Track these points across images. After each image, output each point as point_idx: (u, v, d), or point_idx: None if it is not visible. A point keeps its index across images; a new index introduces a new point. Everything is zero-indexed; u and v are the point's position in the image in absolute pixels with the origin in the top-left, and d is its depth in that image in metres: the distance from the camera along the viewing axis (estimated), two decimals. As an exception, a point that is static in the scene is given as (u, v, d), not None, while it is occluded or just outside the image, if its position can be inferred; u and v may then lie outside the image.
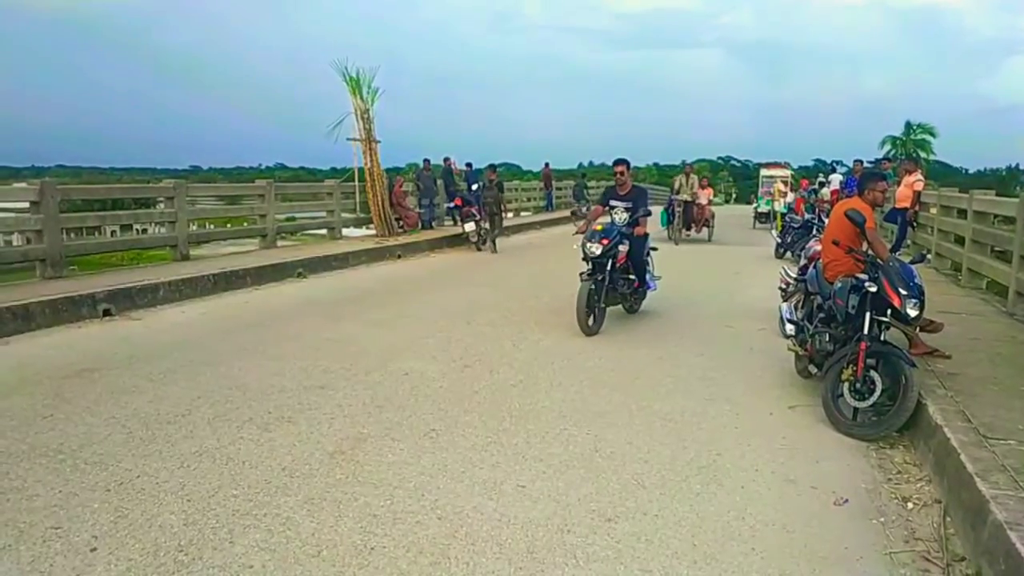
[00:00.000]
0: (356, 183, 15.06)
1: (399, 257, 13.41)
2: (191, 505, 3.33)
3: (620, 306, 7.79)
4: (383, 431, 4.33)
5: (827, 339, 4.94)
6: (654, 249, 8.08)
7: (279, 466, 3.79)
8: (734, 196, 64.91)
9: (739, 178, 77.61)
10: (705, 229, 17.53)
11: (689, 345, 6.64)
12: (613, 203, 7.72)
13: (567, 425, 4.50)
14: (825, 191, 19.33)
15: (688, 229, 17.17)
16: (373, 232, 15.16)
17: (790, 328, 5.64)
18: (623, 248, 7.26)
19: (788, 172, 27.54)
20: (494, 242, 14.82)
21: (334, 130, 14.46)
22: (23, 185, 9.70)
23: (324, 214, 14.99)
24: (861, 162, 16.77)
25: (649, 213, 7.68)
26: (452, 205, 15.92)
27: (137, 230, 15.46)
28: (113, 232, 18.62)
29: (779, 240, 14.09)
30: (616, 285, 7.27)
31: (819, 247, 6.31)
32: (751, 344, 6.70)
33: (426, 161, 17.67)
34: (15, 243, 21.94)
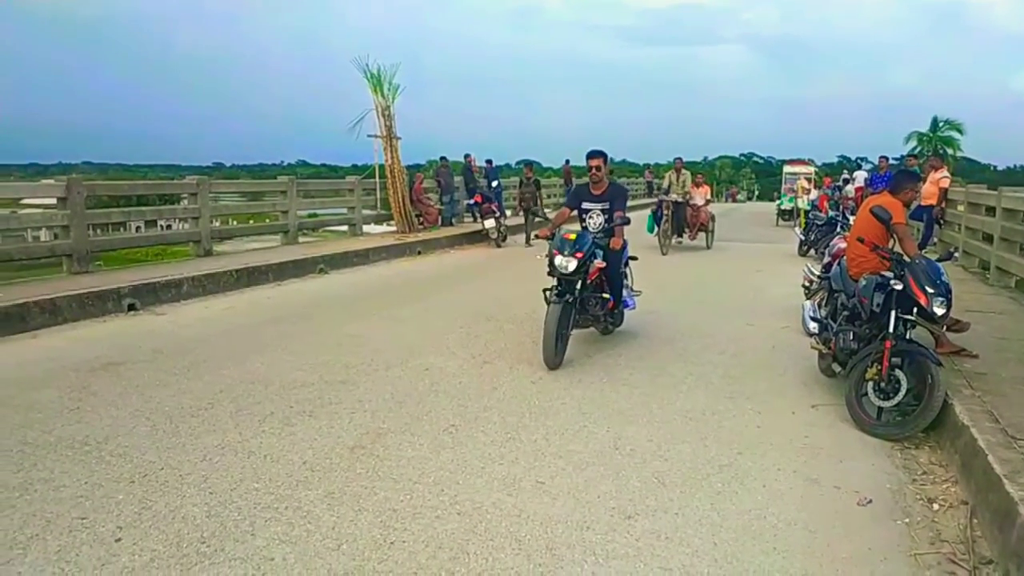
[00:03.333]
0: (377, 180, 15.13)
1: (419, 253, 13.45)
2: (213, 498, 3.36)
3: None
4: (403, 426, 4.35)
5: (851, 337, 4.86)
6: (633, 258, 6.86)
7: (300, 460, 3.82)
8: (756, 193, 64.51)
9: (762, 175, 77.15)
10: (702, 235, 14.80)
11: (710, 343, 6.58)
12: (587, 205, 6.41)
13: (587, 422, 4.49)
14: (849, 188, 19.13)
15: (680, 235, 14.48)
16: (393, 228, 15.23)
17: (813, 326, 5.58)
18: (597, 262, 5.95)
19: (811, 169, 27.38)
20: (528, 237, 14.98)
21: (355, 127, 14.56)
22: (50, 182, 9.82)
23: (345, 211, 15.08)
24: (887, 158, 16.54)
25: (627, 220, 6.34)
26: (472, 202, 15.96)
27: (161, 226, 15.63)
28: (138, 228, 18.89)
29: (802, 237, 13.95)
30: (587, 305, 6.02)
31: (843, 244, 6.24)
32: (774, 342, 6.64)
33: (443, 158, 17.69)
34: (42, 238, 22.34)
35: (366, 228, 15.20)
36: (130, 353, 5.89)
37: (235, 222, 21.34)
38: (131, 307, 7.65)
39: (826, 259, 7.39)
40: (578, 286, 5.77)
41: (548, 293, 5.85)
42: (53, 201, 9.06)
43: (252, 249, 13.34)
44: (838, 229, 11.09)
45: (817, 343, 5.41)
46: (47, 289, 7.39)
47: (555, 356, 5.57)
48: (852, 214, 11.46)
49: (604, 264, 6.03)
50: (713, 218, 15.04)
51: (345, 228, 15.30)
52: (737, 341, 6.67)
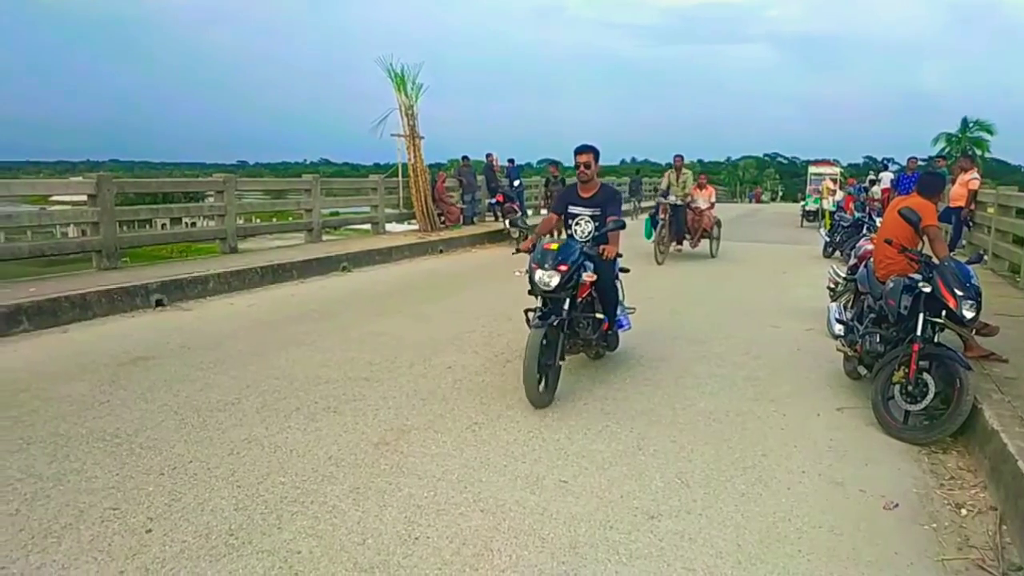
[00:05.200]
0: (400, 178, 15.21)
1: (441, 252, 13.50)
2: (241, 491, 3.41)
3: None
4: (426, 423, 4.38)
5: (878, 340, 4.82)
6: (624, 270, 5.73)
7: (325, 455, 3.86)
8: (781, 194, 63.90)
9: (786, 175, 76.47)
10: (705, 242, 13.33)
11: (734, 344, 6.54)
12: (574, 210, 5.49)
13: (609, 422, 4.49)
14: (876, 189, 18.90)
15: (679, 242, 13.03)
16: (416, 227, 15.30)
17: (839, 328, 5.53)
18: (587, 276, 5.00)
19: (837, 170, 27.06)
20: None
21: (378, 126, 14.63)
22: (80, 179, 9.99)
23: (368, 209, 15.16)
24: (916, 159, 16.32)
25: (623, 224, 5.34)
26: (494, 201, 15.99)
27: (187, 223, 15.78)
28: (163, 225, 19.08)
29: (827, 239, 13.80)
30: (576, 327, 5.13)
31: (870, 246, 6.18)
32: (798, 344, 6.58)
33: (465, 158, 17.74)
34: (70, 234, 22.70)
35: (388, 227, 15.27)
36: (158, 348, 5.99)
37: (259, 220, 21.58)
38: (158, 303, 7.77)
39: (852, 261, 7.32)
40: (566, 305, 4.90)
41: (531, 315, 4.95)
42: (83, 198, 9.21)
43: (276, 247, 13.47)
44: (864, 231, 10.97)
45: (843, 345, 5.36)
46: (77, 284, 7.53)
47: (540, 393, 4.64)
48: (879, 215, 11.32)
49: (595, 277, 5.09)
50: (718, 223, 13.54)
51: (368, 226, 15.41)
52: (761, 343, 6.62)
